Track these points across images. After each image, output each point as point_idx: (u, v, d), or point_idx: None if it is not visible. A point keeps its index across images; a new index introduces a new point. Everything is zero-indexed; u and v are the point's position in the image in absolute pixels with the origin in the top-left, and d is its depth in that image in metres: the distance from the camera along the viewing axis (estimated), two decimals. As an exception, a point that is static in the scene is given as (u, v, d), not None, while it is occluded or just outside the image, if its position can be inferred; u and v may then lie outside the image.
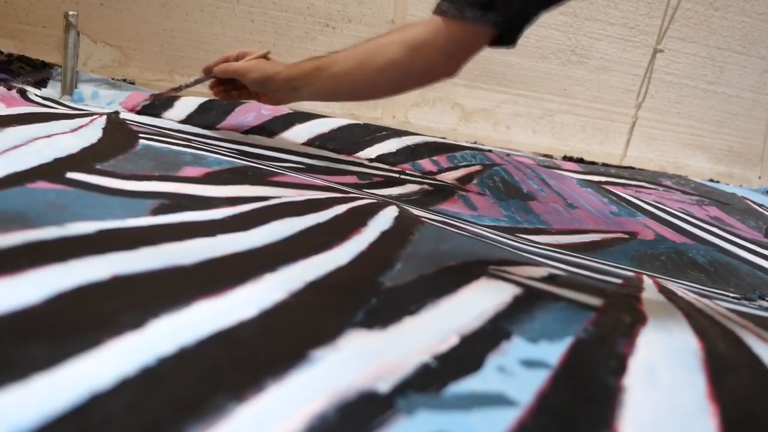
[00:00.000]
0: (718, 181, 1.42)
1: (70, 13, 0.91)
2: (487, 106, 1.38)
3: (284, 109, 0.96)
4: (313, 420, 0.21)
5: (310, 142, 0.89)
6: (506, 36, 0.70)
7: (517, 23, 0.69)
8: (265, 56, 0.81)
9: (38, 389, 0.21)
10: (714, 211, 1.03)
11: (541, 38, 1.39)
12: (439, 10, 0.70)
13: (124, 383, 0.22)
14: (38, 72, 0.99)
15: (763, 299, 0.58)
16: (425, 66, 0.72)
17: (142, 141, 0.63)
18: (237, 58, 0.81)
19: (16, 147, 0.53)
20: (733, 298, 0.56)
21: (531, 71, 1.39)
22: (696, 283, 0.62)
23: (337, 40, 1.26)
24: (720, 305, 0.48)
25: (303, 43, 1.26)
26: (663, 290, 0.49)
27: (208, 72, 0.82)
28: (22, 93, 0.84)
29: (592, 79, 1.43)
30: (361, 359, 0.26)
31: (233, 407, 0.21)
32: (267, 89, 0.78)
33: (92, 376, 0.22)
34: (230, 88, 0.82)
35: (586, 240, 0.73)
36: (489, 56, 1.36)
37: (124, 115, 0.81)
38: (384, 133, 0.97)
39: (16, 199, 0.39)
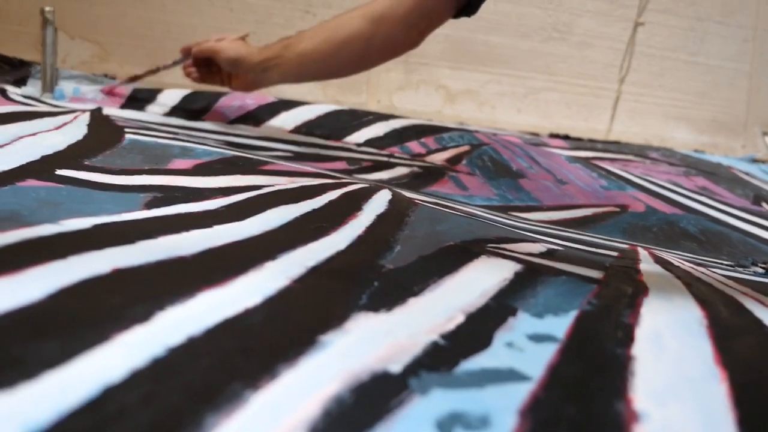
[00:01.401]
0: (703, 152, 1.43)
1: (47, 9, 0.89)
2: (472, 87, 1.37)
3: (269, 98, 0.95)
4: (329, 403, 0.21)
5: (297, 130, 0.88)
6: (469, 6, 0.70)
7: None
8: (242, 38, 0.80)
9: (50, 386, 0.20)
10: (701, 181, 1.04)
11: (522, 16, 1.38)
12: None
13: (136, 375, 0.21)
14: (17, 70, 0.98)
15: (757, 265, 0.59)
16: (387, 38, 0.72)
17: (128, 135, 0.63)
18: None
19: (1, 146, 0.52)
20: (727, 265, 0.57)
21: (513, 50, 1.39)
22: (689, 253, 0.62)
23: (318, 26, 1.24)
24: (716, 273, 0.48)
25: (284, 30, 1.24)
26: (659, 261, 0.49)
27: (186, 53, 0.82)
28: (2, 92, 0.83)
29: (575, 56, 1.43)
30: (370, 341, 0.26)
31: (249, 395, 0.21)
32: (239, 70, 0.78)
33: (104, 370, 0.21)
34: (204, 71, 0.82)
35: (578, 215, 0.74)
36: (471, 37, 1.36)
37: (108, 110, 0.80)
38: (370, 117, 0.97)
39: (7, 198, 0.39)
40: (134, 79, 0.90)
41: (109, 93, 0.89)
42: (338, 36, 0.72)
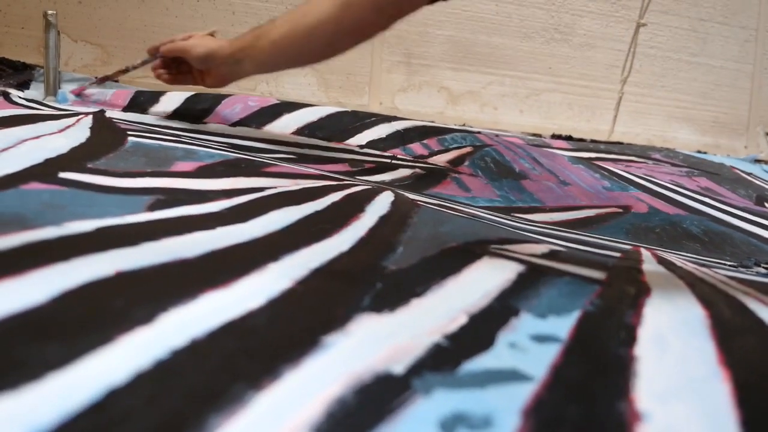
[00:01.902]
0: (705, 152, 1.43)
1: (50, 12, 0.89)
2: (474, 88, 1.37)
3: (271, 100, 0.95)
4: (332, 404, 0.21)
5: (299, 132, 0.88)
6: None
7: None
8: (211, 34, 0.80)
9: (54, 388, 0.20)
10: (704, 182, 1.04)
11: (524, 17, 1.39)
12: None
13: (140, 377, 0.21)
14: (20, 74, 0.98)
15: (760, 266, 0.58)
16: (356, 21, 0.70)
17: (131, 138, 0.63)
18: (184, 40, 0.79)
19: (5, 149, 0.52)
20: (730, 266, 0.57)
21: (515, 51, 1.39)
22: (692, 253, 0.62)
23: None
24: (719, 273, 0.48)
25: (286, 32, 1.25)
26: (662, 261, 0.49)
27: (154, 52, 0.81)
28: (6, 95, 0.83)
29: (577, 56, 1.43)
30: (373, 343, 0.26)
31: (251, 396, 0.21)
32: (211, 66, 0.77)
33: (107, 372, 0.21)
34: (175, 71, 0.81)
35: (581, 216, 0.74)
36: (473, 38, 1.36)
37: (110, 113, 0.81)
38: (373, 119, 0.97)
39: (11, 201, 0.39)
40: (104, 79, 0.90)
41: (79, 94, 0.89)
42: (307, 21, 0.71)
